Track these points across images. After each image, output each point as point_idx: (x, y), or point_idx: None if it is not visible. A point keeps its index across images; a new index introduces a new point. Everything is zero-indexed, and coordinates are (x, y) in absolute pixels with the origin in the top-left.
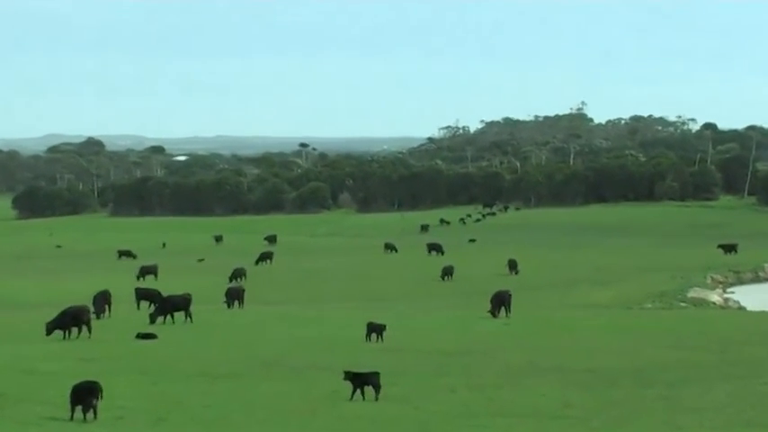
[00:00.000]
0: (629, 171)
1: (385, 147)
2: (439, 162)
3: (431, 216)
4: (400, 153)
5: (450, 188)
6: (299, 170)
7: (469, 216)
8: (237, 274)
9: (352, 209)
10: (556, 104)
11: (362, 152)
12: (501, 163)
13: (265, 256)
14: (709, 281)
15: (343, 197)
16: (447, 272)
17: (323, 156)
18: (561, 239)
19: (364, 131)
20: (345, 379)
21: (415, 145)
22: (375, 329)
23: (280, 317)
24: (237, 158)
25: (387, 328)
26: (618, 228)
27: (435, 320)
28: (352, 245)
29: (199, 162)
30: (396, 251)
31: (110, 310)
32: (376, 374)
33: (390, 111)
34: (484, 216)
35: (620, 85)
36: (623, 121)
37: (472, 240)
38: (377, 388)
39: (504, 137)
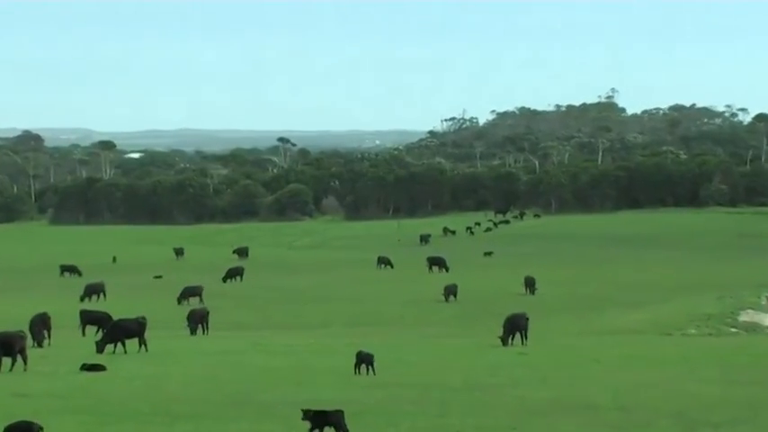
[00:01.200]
0: (668, 171)
1: (378, 142)
2: (442, 160)
3: (432, 225)
4: (396, 149)
5: (456, 191)
6: (276, 170)
7: (478, 225)
8: (189, 293)
9: (338, 216)
10: (581, 92)
11: (351, 149)
12: (516, 161)
13: (235, 273)
14: (764, 302)
15: (327, 202)
16: (450, 291)
17: (304, 153)
18: (587, 252)
19: (353, 124)
20: (304, 419)
21: (414, 140)
22: (366, 360)
23: (251, 345)
24: (202, 156)
25: (375, 358)
26: (655, 238)
27: (437, 349)
28: (339, 259)
29: (156, 160)
30: (391, 266)
31: (49, 337)
32: (339, 413)
33: (384, 100)
34: (496, 224)
35: (657, 70)
36: (661, 112)
37: (488, 254)
38: (340, 430)
39: (520, 130)
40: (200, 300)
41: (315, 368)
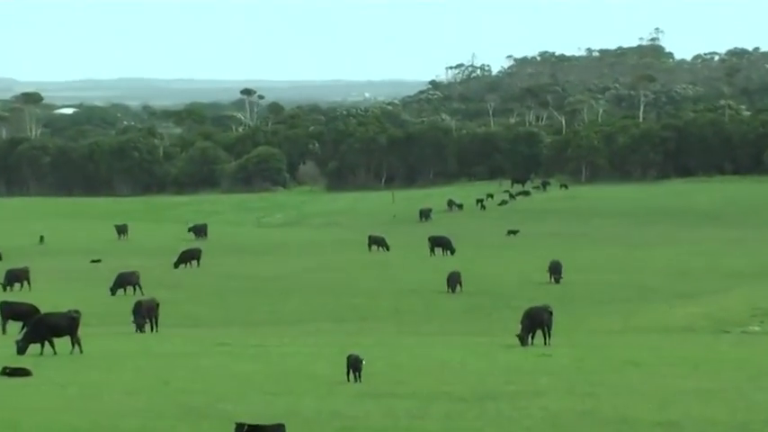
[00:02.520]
0: (726, 131)
1: (367, 95)
2: (446, 117)
3: (435, 197)
4: (389, 104)
5: (464, 155)
6: (241, 129)
7: (491, 197)
8: (124, 281)
9: (319, 186)
10: (619, 33)
11: (334, 103)
12: (538, 119)
13: (190, 256)
14: None
15: (305, 169)
16: (454, 280)
17: (276, 108)
18: (625, 232)
19: (336, 73)
20: None
21: (412, 92)
22: (354, 365)
23: (212, 345)
24: (150, 112)
25: (364, 362)
26: (709, 214)
27: (441, 350)
28: (320, 240)
29: (93, 117)
30: (385, 248)
31: None
32: (280, 427)
33: (375, 43)
34: (513, 197)
35: (711, 6)
36: (717, 58)
37: (513, 232)
38: None
39: (543, 80)
40: (137, 289)
41: (291, 374)
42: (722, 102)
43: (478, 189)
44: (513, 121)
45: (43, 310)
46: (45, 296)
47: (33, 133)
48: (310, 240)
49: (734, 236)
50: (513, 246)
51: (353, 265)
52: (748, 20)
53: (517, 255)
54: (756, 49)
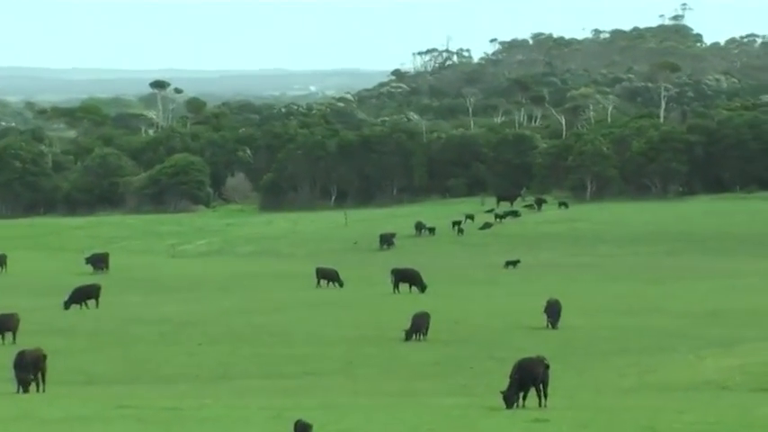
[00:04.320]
0: None
1: (312, 88)
2: (413, 116)
3: (399, 218)
4: (341, 100)
5: (436, 165)
6: (153, 131)
7: (471, 218)
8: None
9: (251, 204)
10: (634, 10)
11: (271, 98)
12: (531, 118)
13: (86, 294)
14: None
15: (234, 182)
16: (417, 325)
17: (196, 104)
18: (641, 262)
19: (274, 61)
20: None
21: (369, 85)
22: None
23: (112, 407)
24: (35, 110)
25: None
26: (747, 240)
27: (406, 415)
28: (252, 272)
29: None
30: (337, 284)
31: None
32: None
33: (322, 24)
34: (499, 218)
35: None
36: (758, 41)
37: (512, 263)
38: None
39: (537, 69)
40: (14, 337)
41: None
42: (764, 97)
43: (454, 208)
44: (498, 121)
45: None
46: None
47: None
48: (239, 274)
49: None
50: (499, 280)
51: (295, 305)
52: None
53: (504, 292)
54: None
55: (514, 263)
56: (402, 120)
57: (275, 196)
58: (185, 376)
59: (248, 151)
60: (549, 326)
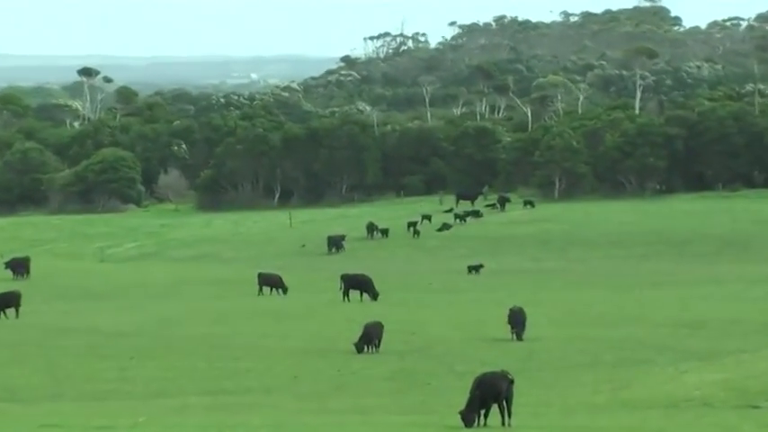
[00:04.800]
0: (754, 127)
1: (254, 76)
2: (365, 107)
3: (350, 218)
4: (285, 89)
5: (390, 161)
6: (79, 124)
7: (428, 219)
8: None
9: (187, 204)
10: None
11: (208, 87)
12: (494, 109)
13: (4, 302)
14: None
15: (168, 180)
16: (368, 336)
17: (127, 94)
18: (615, 267)
19: (211, 47)
20: None
21: (317, 72)
22: None
23: (35, 427)
24: None
25: None
26: (731, 242)
27: None
28: (188, 278)
29: None
30: (281, 291)
31: None
32: None
33: (264, 6)
34: (460, 219)
35: None
36: (743, 24)
37: (474, 269)
38: None
39: (501, 55)
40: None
41: None
42: (749, 87)
43: (410, 208)
44: (458, 112)
45: None
46: None
47: None
48: (175, 280)
49: (764, 273)
50: (459, 287)
51: (236, 314)
52: None
53: (464, 300)
54: None
55: (477, 268)
56: (353, 111)
57: (214, 195)
58: (116, 393)
59: (184, 146)
60: (514, 337)
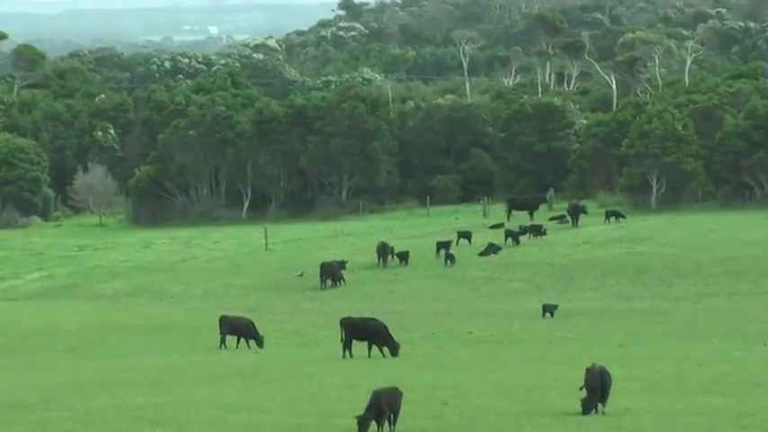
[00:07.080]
0: None
1: (213, 30)
2: (374, 76)
3: (353, 237)
4: (258, 49)
5: (411, 153)
6: None
7: (466, 238)
8: None
9: (117, 215)
10: None
11: (148, 45)
12: (563, 79)
13: None
14: None
15: (89, 179)
16: (382, 407)
17: (28, 55)
18: (739, 308)
19: None
20: None
21: (305, 26)
22: None
23: None
24: None
25: None
26: None
27: None
28: (120, 322)
29: None
30: (255, 343)
31: None
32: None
33: None
34: (513, 238)
35: None
36: None
37: (549, 310)
38: None
39: (574, 1)
40: None
41: None
42: None
43: (440, 222)
44: (510, 83)
45: None
46: None
47: None
48: (97, 325)
49: None
50: (512, 337)
51: (186, 375)
52: None
53: (519, 356)
54: None
55: (552, 309)
56: (357, 81)
57: (155, 203)
58: None
59: (112, 131)
60: (593, 409)
